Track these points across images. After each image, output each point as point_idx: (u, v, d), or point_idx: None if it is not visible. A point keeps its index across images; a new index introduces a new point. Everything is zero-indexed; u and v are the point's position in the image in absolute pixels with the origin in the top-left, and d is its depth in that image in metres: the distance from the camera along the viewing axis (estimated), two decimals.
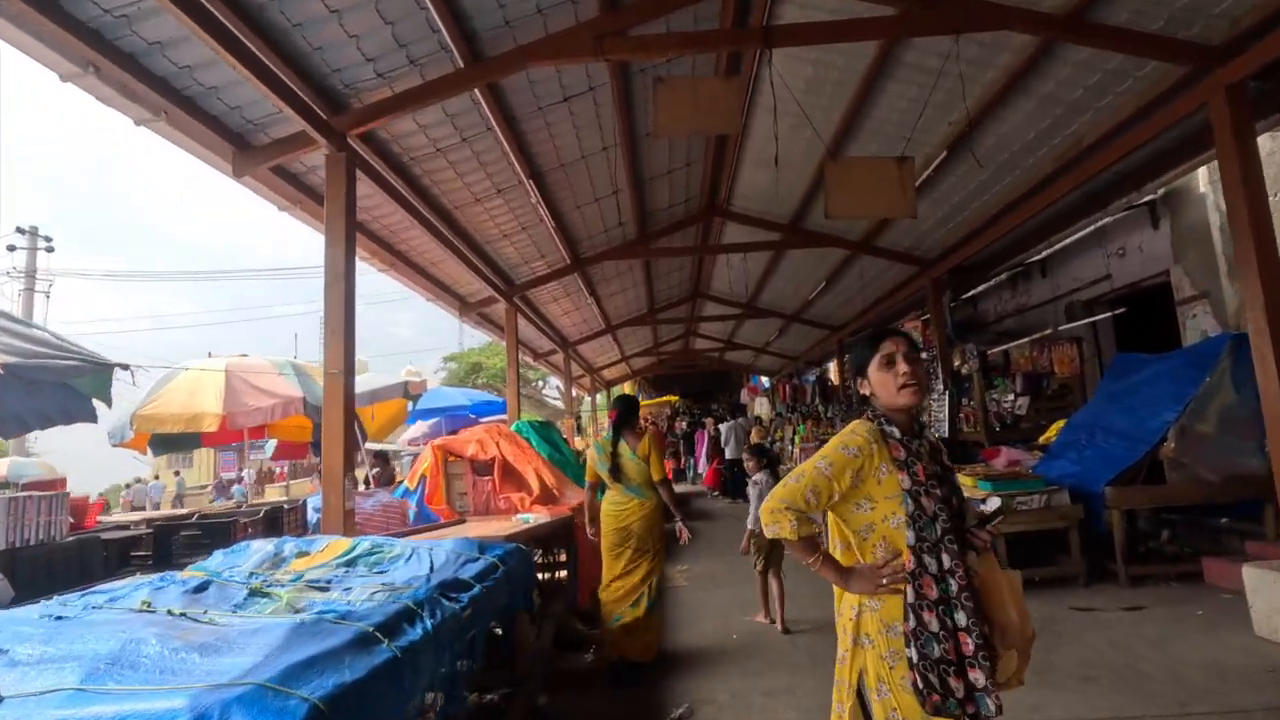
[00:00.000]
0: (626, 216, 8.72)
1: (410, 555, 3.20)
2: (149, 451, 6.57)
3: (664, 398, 26.03)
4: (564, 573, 5.81)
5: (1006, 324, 10.61)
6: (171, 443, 6.70)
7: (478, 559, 3.19)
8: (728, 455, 13.63)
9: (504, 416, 12.48)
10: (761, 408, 21.00)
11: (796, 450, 10.16)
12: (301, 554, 3.32)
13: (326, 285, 4.22)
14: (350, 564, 3.18)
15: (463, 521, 5.59)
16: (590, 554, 6.06)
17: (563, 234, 8.24)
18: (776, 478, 5.74)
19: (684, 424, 26.00)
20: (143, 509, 20.15)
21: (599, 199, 7.85)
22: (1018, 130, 5.93)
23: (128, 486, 22.60)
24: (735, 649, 4.80)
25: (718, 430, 20.79)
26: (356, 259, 6.59)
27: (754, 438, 15.84)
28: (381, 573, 3.01)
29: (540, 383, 36.62)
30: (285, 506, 5.45)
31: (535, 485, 6.11)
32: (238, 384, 6.08)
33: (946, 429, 8.31)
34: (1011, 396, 9.13)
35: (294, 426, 8.53)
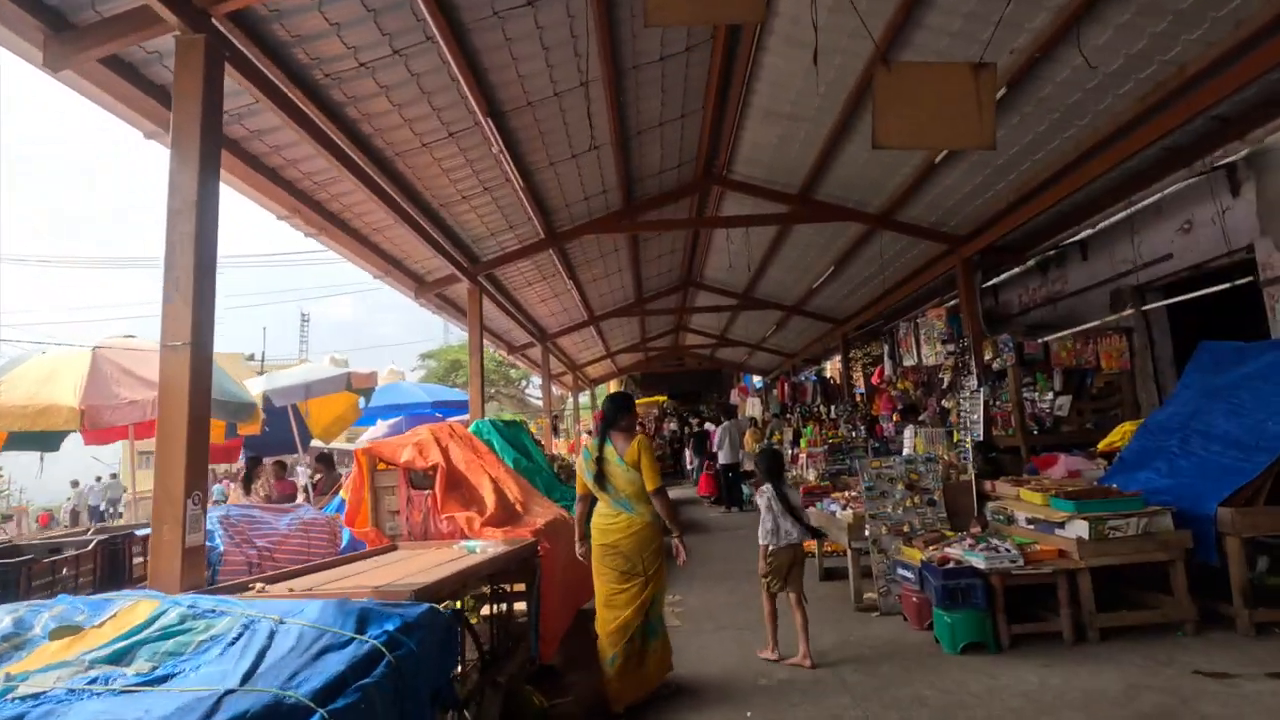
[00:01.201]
0: (610, 182, 7.47)
1: (238, 637, 1.95)
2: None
3: (652, 398, 24.77)
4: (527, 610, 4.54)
5: (1035, 316, 9.45)
6: (35, 440, 5.37)
7: (347, 643, 1.94)
8: (721, 459, 12.40)
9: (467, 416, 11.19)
10: (753, 409, 19.80)
11: (803, 454, 8.96)
12: (66, 630, 2.04)
13: (170, 217, 2.93)
14: (129, 651, 1.91)
15: (392, 549, 4.31)
16: (560, 591, 4.80)
17: (534, 200, 6.97)
18: (781, 488, 4.71)
19: (672, 425, 24.84)
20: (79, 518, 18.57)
21: (576, 155, 6.58)
22: (1103, 56, 4.74)
23: (74, 487, 20.96)
24: (765, 699, 3.64)
25: (696, 432, 19.64)
26: (263, 210, 5.32)
27: (749, 440, 14.65)
28: (162, 678, 1.74)
29: (524, 382, 35.28)
30: (134, 533, 4.14)
31: (490, 500, 4.83)
32: (108, 371, 4.76)
33: (981, 432, 7.12)
34: (1050, 395, 7.99)
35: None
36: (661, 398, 24.90)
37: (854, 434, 9.05)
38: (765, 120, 6.75)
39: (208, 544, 4.57)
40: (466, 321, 8.01)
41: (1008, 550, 4.26)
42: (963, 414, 7.59)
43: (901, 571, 4.87)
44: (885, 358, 10.25)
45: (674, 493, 16.40)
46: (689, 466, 19.31)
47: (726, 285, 13.06)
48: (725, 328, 16.73)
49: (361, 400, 9.05)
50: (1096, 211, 6.98)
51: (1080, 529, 4.17)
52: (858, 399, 12.64)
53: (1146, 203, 6.63)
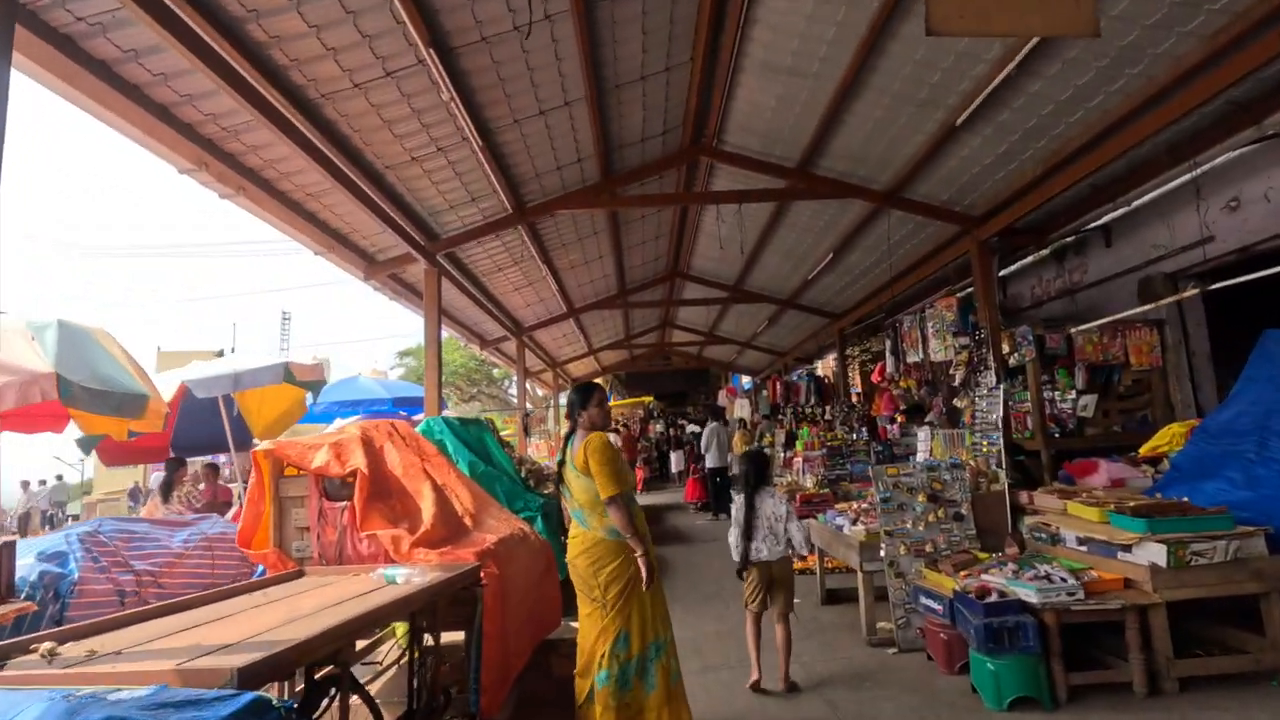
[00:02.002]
0: (585, 148, 6.60)
1: None
2: None
3: (637, 398, 23.89)
4: (466, 653, 3.66)
5: (1050, 310, 8.69)
6: None
7: None
8: (709, 463, 11.56)
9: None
10: (742, 410, 18.98)
11: (798, 458, 8.13)
12: None
13: None
14: None
15: (298, 575, 3.42)
16: (513, 623, 3.92)
17: (498, 166, 6.09)
18: (754, 498, 4.13)
19: (658, 427, 23.99)
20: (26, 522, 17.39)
21: (545, 112, 5.71)
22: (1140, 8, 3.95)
23: (25, 489, 19.73)
24: None
25: (694, 434, 18.75)
26: (147, 149, 4.38)
27: (737, 443, 13.83)
28: None
29: (506, 381, 34.27)
30: None
31: (429, 514, 3.94)
32: None
33: (1000, 434, 6.32)
34: (1073, 394, 7.21)
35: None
36: (648, 398, 24.04)
37: (854, 436, 8.25)
38: (762, 76, 5.91)
39: (58, 569, 3.68)
40: (424, 307, 7.09)
41: (1063, 580, 3.43)
42: (979, 414, 6.78)
43: (926, 601, 4.04)
44: (887, 354, 9.46)
45: (659, 498, 15.54)
46: (674, 470, 18.50)
47: (716, 277, 12.23)
48: (714, 324, 15.91)
49: (310, 396, 8.10)
50: (1131, 187, 6.21)
51: (1154, 554, 3.35)
52: (855, 399, 11.84)
53: (1187, 177, 5.87)
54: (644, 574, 3.16)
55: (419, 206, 6.42)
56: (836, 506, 5.63)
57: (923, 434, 6.21)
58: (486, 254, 8.29)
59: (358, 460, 3.79)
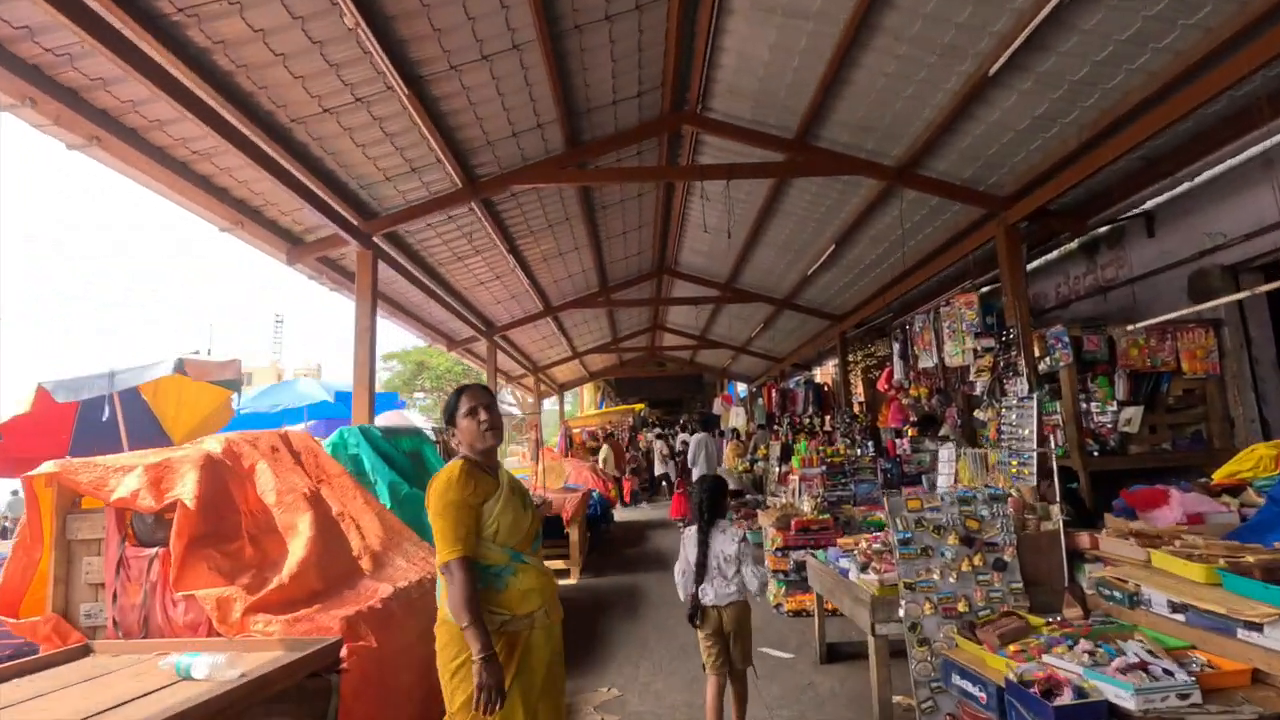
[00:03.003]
0: (546, 110, 5.59)
1: None
2: None
3: (628, 405, 22.78)
4: None
5: (1079, 310, 7.69)
6: None
7: None
8: (696, 476, 10.49)
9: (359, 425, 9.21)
10: (737, 419, 17.95)
11: (794, 475, 7.09)
12: None
13: None
14: None
15: (80, 653, 2.39)
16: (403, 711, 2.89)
17: (436, 126, 5.08)
18: (706, 533, 3.51)
19: (650, 436, 22.89)
20: None
21: (490, 57, 4.69)
22: None
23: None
24: None
25: (684, 445, 17.68)
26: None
27: (730, 454, 12.79)
28: None
29: (501, 387, 33.23)
30: None
31: (294, 560, 2.91)
32: None
33: (1035, 452, 5.28)
34: (1114, 405, 6.20)
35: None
36: (640, 405, 22.94)
37: (859, 451, 7.24)
38: (752, 17, 4.90)
39: None
40: (357, 295, 6.04)
41: (1167, 672, 2.39)
42: (1006, 428, 5.74)
43: (961, 682, 2.99)
44: (894, 358, 8.44)
45: (647, 513, 14.48)
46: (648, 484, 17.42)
47: (706, 274, 11.21)
48: (706, 326, 14.88)
49: (236, 398, 7.07)
50: (1193, 158, 5.21)
51: None
52: (858, 408, 10.82)
53: (1258, 149, 4.88)
54: (477, 687, 2.01)
55: (345, 175, 5.40)
56: (840, 542, 4.58)
57: (945, 453, 5.16)
58: (441, 240, 7.26)
59: (184, 488, 2.75)
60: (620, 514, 13.96)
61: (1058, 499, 3.71)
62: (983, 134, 5.35)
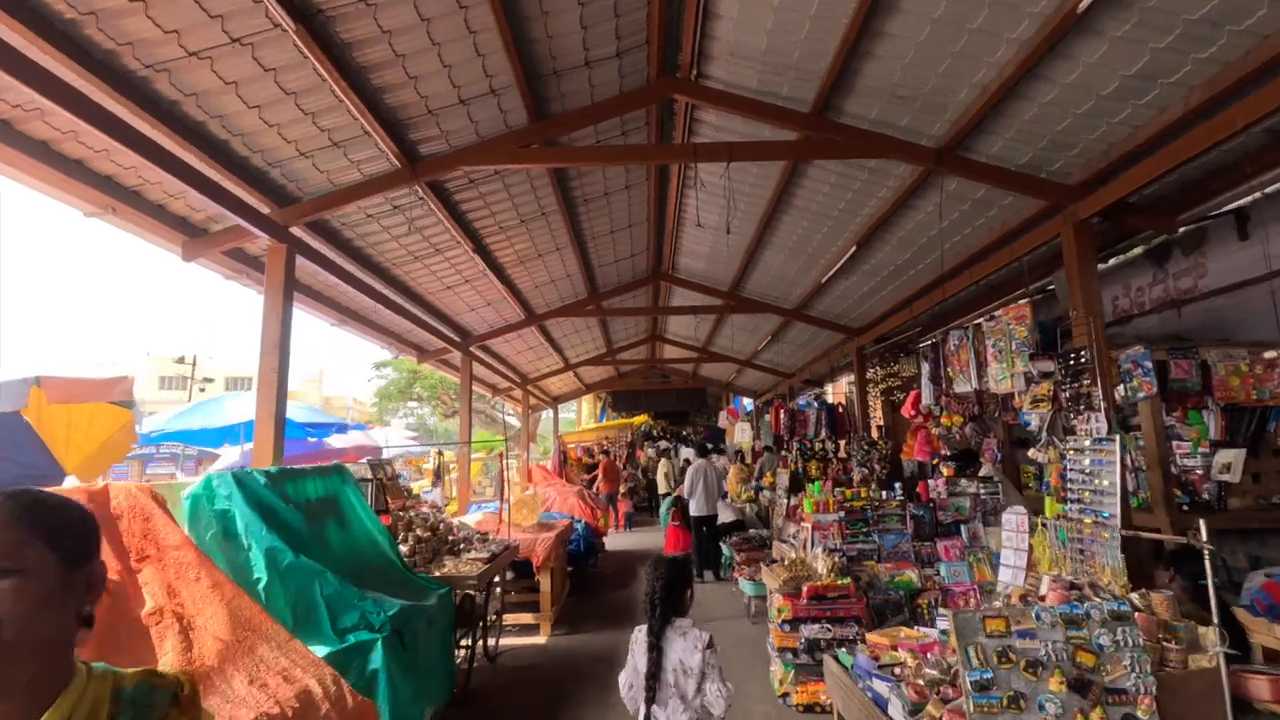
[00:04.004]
0: (498, 70, 4.46)
1: None
2: None
3: (630, 419, 21.52)
4: None
5: (1142, 327, 6.50)
6: None
7: None
8: (694, 509, 9.30)
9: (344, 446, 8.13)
10: (743, 434, 16.71)
11: (807, 522, 5.88)
12: None
13: None
14: None
15: None
16: None
17: (351, 85, 3.95)
18: (659, 636, 2.76)
19: (651, 451, 21.68)
20: None
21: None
22: None
23: None
24: None
25: (687, 463, 16.43)
26: None
27: (733, 480, 11.57)
28: None
29: (494, 399, 32.10)
30: None
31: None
32: None
33: (1117, 504, 4.06)
34: (1207, 447, 5.01)
35: None
36: (640, 419, 21.68)
37: (884, 495, 6.03)
38: None
39: None
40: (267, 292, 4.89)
41: None
42: (1074, 475, 4.54)
43: None
44: (923, 380, 7.24)
45: (642, 539, 13.25)
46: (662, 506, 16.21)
47: (708, 280, 10.04)
48: (708, 338, 13.70)
49: (136, 415, 5.95)
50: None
51: None
52: (876, 433, 9.60)
53: None
54: None
55: (240, 146, 4.27)
56: (870, 642, 3.39)
57: (1012, 518, 3.93)
58: (391, 236, 6.13)
59: None
60: (613, 540, 12.77)
61: (1214, 615, 2.48)
62: (1055, 101, 4.17)
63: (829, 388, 14.83)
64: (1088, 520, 4.25)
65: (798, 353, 12.47)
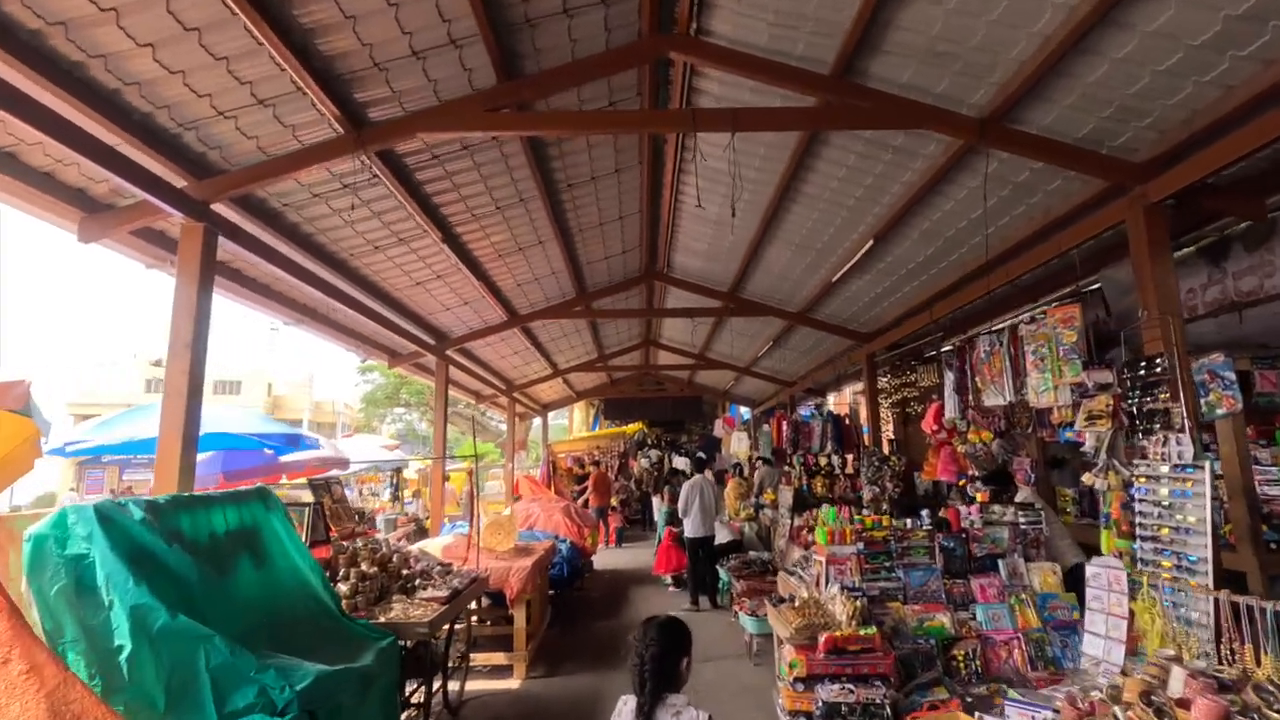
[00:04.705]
0: (454, 6, 3.68)
1: None
2: None
3: (623, 427, 20.65)
4: None
5: (1194, 333, 5.73)
6: None
7: None
8: (688, 531, 8.50)
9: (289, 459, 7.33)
10: (739, 444, 15.91)
11: (820, 556, 5.09)
12: None
13: None
14: None
15: None
16: None
17: (269, 20, 3.18)
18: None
19: (645, 462, 20.83)
20: None
21: None
22: None
23: None
24: None
25: (673, 473, 15.61)
26: None
27: (730, 496, 10.77)
28: None
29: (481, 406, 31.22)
30: None
31: None
32: None
33: (1207, 546, 3.29)
34: None
35: None
36: (633, 427, 20.80)
37: (909, 522, 5.25)
38: None
39: None
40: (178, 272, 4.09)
41: None
42: (1149, 508, 3.78)
43: None
44: (947, 391, 6.48)
45: (633, 556, 12.43)
46: (655, 518, 15.41)
47: (706, 280, 9.27)
48: (705, 343, 12.92)
49: (46, 434, 5.12)
50: None
51: None
52: (887, 447, 8.83)
53: None
54: None
55: (140, 100, 3.48)
56: None
57: (1100, 573, 3.11)
58: (344, 221, 5.34)
59: None
60: (603, 558, 11.95)
61: None
62: (1132, 55, 3.42)
63: (831, 397, 14.07)
64: (1165, 564, 3.49)
65: (800, 360, 11.71)
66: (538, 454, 21.91)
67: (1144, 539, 3.78)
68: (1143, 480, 3.86)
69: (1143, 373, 3.99)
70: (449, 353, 9.15)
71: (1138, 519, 3.87)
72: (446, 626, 5.05)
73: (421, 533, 10.09)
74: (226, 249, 4.92)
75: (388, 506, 13.63)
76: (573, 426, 24.76)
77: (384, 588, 4.43)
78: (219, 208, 4.32)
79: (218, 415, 7.66)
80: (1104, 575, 3.11)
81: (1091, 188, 4.42)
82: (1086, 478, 4.47)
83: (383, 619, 4.05)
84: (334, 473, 11.22)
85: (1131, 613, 2.91)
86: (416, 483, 16.25)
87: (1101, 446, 4.38)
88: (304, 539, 4.35)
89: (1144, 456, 3.94)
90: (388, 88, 4.05)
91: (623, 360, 15.28)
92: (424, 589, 4.62)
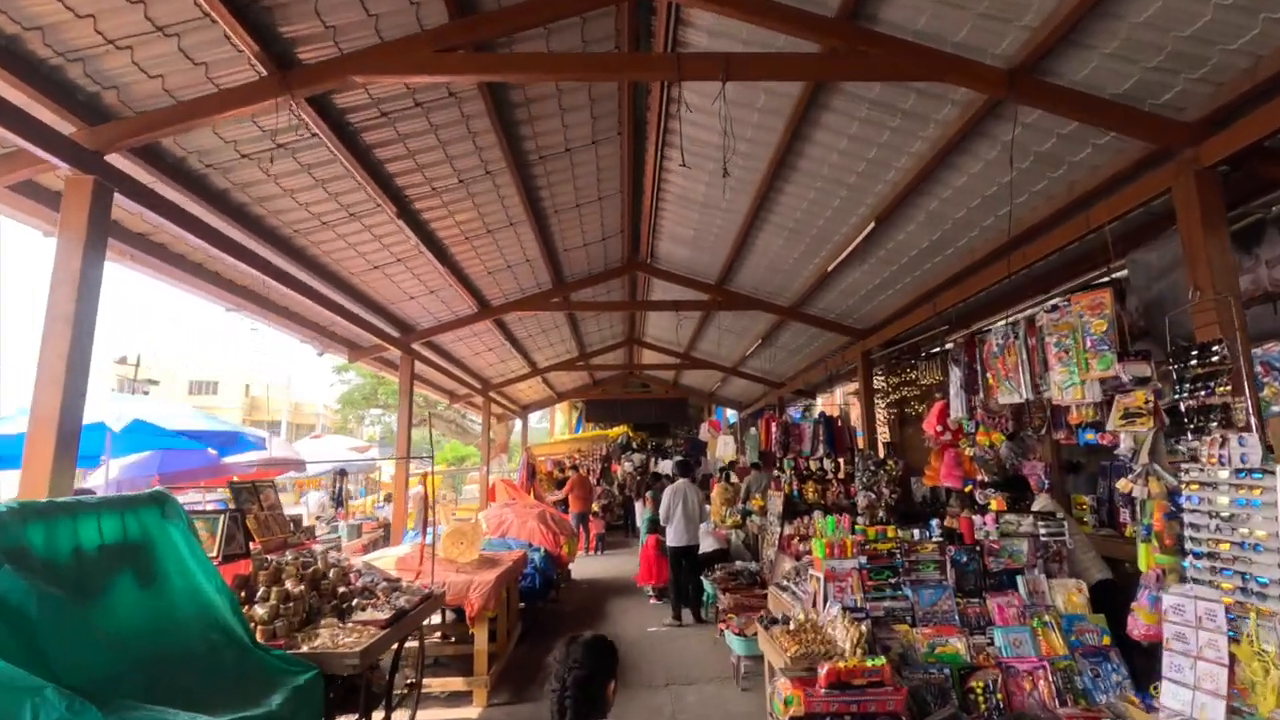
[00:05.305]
0: None
1: None
2: None
3: (606, 430, 20.00)
4: None
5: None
6: None
7: None
8: (671, 539, 7.89)
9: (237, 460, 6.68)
10: (725, 448, 15.35)
11: (817, 571, 4.52)
12: None
13: None
14: None
15: None
16: None
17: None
18: None
19: (628, 466, 20.21)
20: None
21: None
22: None
23: None
24: None
25: (655, 478, 14.97)
26: None
27: (716, 503, 10.19)
28: None
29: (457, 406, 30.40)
30: None
31: None
32: None
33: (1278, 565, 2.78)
34: None
35: None
36: (617, 431, 20.18)
37: (916, 533, 4.70)
38: None
39: None
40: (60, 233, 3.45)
41: None
42: (1203, 519, 3.26)
43: None
44: (953, 389, 5.94)
45: (614, 564, 11.80)
46: (638, 524, 14.78)
47: (692, 271, 8.70)
48: (691, 342, 12.35)
49: None
50: None
51: None
52: (883, 451, 8.29)
53: None
54: None
55: (13, 22, 2.84)
56: None
57: (1185, 604, 2.52)
58: (282, 190, 4.70)
59: None
60: (582, 567, 11.32)
61: None
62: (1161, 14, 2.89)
63: (820, 399, 13.55)
64: (1225, 584, 2.95)
65: (790, 359, 11.17)
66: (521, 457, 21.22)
67: (1197, 555, 3.25)
68: (1195, 487, 3.32)
69: (1195, 363, 3.45)
70: (415, 346, 8.51)
71: (1188, 532, 3.34)
72: (394, 648, 4.43)
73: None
74: (148, 220, 4.29)
75: (358, 511, 12.93)
76: (554, 429, 24.10)
77: (313, 609, 3.79)
78: (123, 163, 3.68)
79: (151, 411, 6.98)
80: (1190, 608, 2.56)
81: (1124, 157, 3.90)
82: (1123, 484, 3.93)
83: (306, 648, 3.42)
84: (290, 474, 10.50)
85: (1232, 657, 2.35)
86: (390, 486, 15.54)
87: (1141, 449, 3.85)
88: (216, 553, 3.71)
89: (1195, 460, 3.40)
90: (318, 21, 3.43)
91: (605, 359, 14.68)
92: (363, 610, 3.99)
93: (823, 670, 3.51)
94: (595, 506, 15.35)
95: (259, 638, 3.41)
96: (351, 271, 6.32)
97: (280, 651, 3.31)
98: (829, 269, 6.83)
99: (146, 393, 25.03)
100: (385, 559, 5.89)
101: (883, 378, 8.57)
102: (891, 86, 4.11)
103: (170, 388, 41.76)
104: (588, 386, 18.18)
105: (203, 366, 49.60)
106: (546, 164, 5.78)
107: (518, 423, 19.18)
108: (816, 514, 7.34)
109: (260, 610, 3.53)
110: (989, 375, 5.46)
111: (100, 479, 6.74)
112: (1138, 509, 3.93)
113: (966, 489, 6.13)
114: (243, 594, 3.63)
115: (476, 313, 8.39)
